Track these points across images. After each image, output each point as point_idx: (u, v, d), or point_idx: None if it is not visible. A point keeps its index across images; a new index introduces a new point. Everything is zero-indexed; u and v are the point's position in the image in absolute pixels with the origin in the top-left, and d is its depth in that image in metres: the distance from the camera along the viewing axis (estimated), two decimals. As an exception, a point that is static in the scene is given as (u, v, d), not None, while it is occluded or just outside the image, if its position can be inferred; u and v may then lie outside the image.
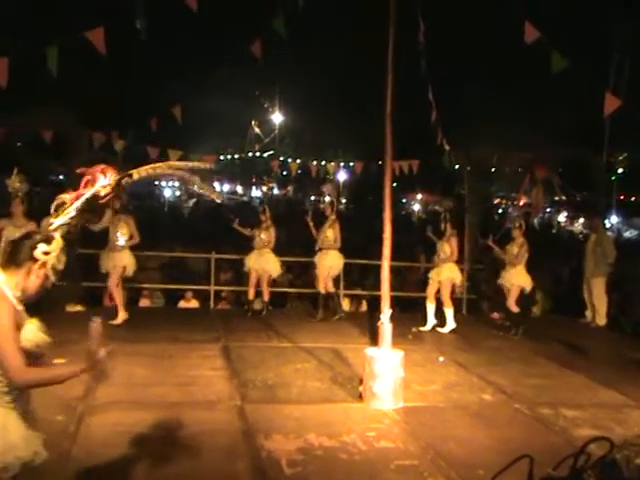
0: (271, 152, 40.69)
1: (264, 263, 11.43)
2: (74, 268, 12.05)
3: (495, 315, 12.48)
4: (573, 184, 22.03)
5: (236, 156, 41.83)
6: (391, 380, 7.02)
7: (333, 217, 11.30)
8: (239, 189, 52.22)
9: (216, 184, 53.91)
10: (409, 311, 12.95)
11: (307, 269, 12.79)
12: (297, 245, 13.54)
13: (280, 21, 9.22)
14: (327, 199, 11.68)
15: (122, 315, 10.26)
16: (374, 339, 8.14)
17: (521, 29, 7.95)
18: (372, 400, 7.02)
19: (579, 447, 2.70)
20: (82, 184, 3.54)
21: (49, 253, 3.26)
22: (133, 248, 10.43)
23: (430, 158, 14.40)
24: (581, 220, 33.16)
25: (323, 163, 17.23)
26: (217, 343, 9.47)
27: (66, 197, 3.45)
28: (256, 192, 51.03)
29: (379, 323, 7.36)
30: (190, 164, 3.88)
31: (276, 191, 52.82)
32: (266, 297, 11.65)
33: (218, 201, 5.49)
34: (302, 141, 38.43)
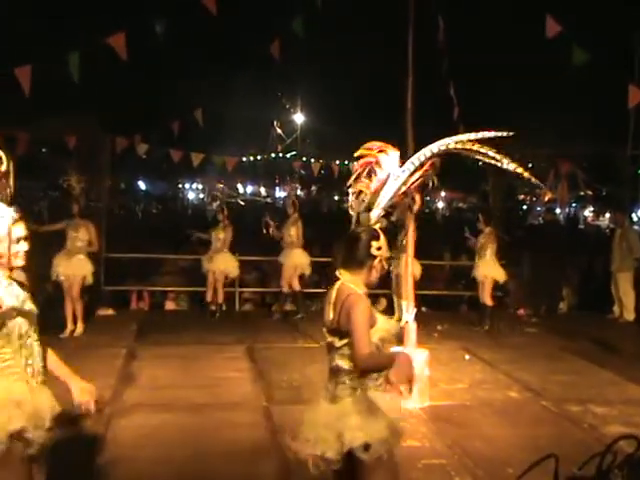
0: (293, 152, 40.75)
1: (220, 264, 11.26)
2: (99, 272, 12.19)
3: (521, 311, 12.40)
4: (598, 178, 21.80)
5: (258, 157, 41.93)
6: (417, 379, 6.99)
7: (296, 215, 11.27)
8: (262, 190, 52.32)
9: (239, 185, 54.18)
10: (434, 309, 12.90)
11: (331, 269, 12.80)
12: (317, 245, 13.50)
13: (299, 21, 9.23)
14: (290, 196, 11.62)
15: (81, 326, 9.83)
16: (399, 338, 8.11)
17: (542, 23, 7.89)
18: (398, 399, 6.99)
19: (606, 446, 2.66)
20: (362, 167, 3.72)
21: (381, 248, 3.49)
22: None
23: (453, 155, 14.30)
24: (607, 215, 32.83)
25: (346, 163, 17.18)
26: (242, 344, 9.49)
27: (362, 186, 3.66)
28: (280, 193, 51.12)
29: (404, 322, 7.34)
30: (480, 135, 3.82)
31: (299, 192, 52.86)
32: (220, 298, 11.43)
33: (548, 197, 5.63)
34: (324, 141, 38.44)
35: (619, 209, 13.61)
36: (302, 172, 36.76)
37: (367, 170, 3.77)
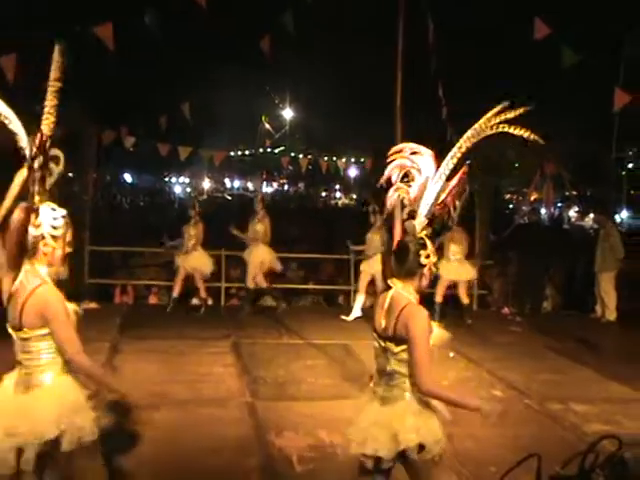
0: (282, 148, 40.68)
1: (192, 261, 11.13)
2: (83, 265, 12.15)
3: (505, 310, 12.47)
4: (583, 179, 21.93)
5: (247, 152, 41.87)
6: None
7: (262, 212, 11.23)
8: (250, 185, 52.25)
9: (226, 180, 54.08)
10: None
11: (318, 265, 12.79)
12: (305, 242, 13.54)
13: (289, 17, 9.22)
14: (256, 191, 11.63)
15: None
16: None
17: (531, 25, 7.92)
18: (382, 396, 7.01)
19: (588, 444, 2.69)
20: (396, 169, 3.81)
21: (429, 256, 3.64)
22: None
23: (440, 153, 14.34)
24: (591, 215, 33.04)
25: (334, 159, 17.21)
26: (227, 340, 9.48)
27: (402, 191, 3.79)
28: (267, 188, 51.09)
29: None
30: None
31: (287, 187, 52.85)
32: (202, 294, 11.40)
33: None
34: (313, 137, 38.42)
35: (602, 210, 13.69)
36: (290, 168, 36.78)
37: (402, 173, 3.87)
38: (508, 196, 32.74)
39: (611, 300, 11.85)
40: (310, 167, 18.87)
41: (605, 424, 6.45)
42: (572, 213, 37.51)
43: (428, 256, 3.63)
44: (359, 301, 11.17)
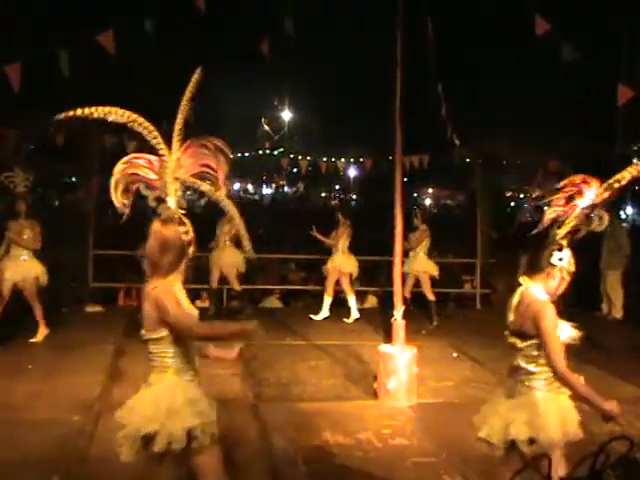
0: (281, 149, 40.67)
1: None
2: (87, 269, 12.17)
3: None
4: (587, 176, 21.89)
5: (246, 154, 41.84)
6: (405, 377, 7.01)
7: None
8: (250, 187, 52.25)
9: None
10: (422, 307, 12.91)
11: (319, 267, 12.75)
12: (306, 243, 13.49)
13: (288, 20, 9.20)
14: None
15: (42, 331, 9.25)
16: (387, 336, 8.12)
17: (531, 21, 7.89)
18: (386, 397, 7.02)
19: (598, 446, 2.68)
20: (565, 194, 4.05)
21: (562, 259, 3.85)
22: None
23: (441, 152, 14.36)
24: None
25: (333, 160, 17.18)
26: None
27: (558, 211, 4.01)
28: (267, 190, 51.07)
29: (392, 320, 7.35)
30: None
31: (287, 189, 52.80)
32: None
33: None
34: (312, 138, 38.42)
35: (608, 207, 13.64)
36: (289, 169, 36.74)
37: (566, 198, 4.09)
38: (509, 194, 32.72)
39: (618, 298, 11.82)
40: (310, 168, 18.83)
41: (615, 424, 6.40)
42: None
43: (562, 259, 3.84)
44: (327, 301, 11.26)
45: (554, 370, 3.70)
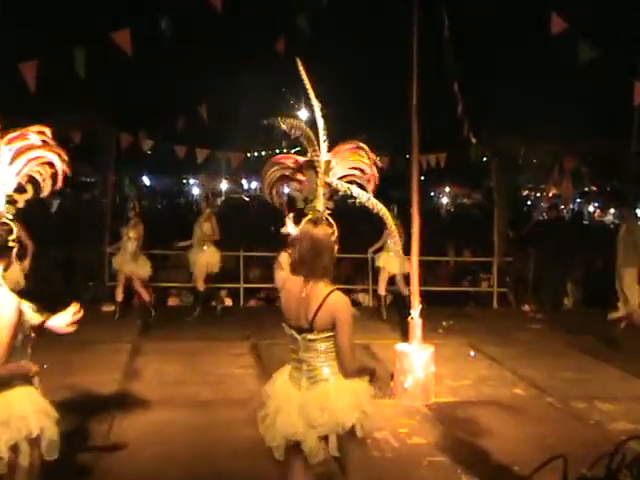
0: (298, 148, 40.65)
1: (131, 264, 10.46)
2: (103, 268, 12.21)
3: (526, 308, 12.39)
4: (603, 174, 21.74)
5: (263, 153, 41.87)
6: (422, 376, 6.98)
7: (209, 210, 11.07)
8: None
9: (244, 181, 54.19)
10: (440, 305, 12.86)
11: (336, 265, 12.74)
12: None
13: (303, 18, 9.21)
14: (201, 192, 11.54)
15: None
16: (404, 334, 8.09)
17: (548, 20, 7.84)
18: (403, 396, 6.99)
19: (614, 445, 2.65)
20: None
21: None
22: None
23: (458, 151, 14.31)
24: (612, 210, 32.76)
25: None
26: (247, 341, 9.49)
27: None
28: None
29: (409, 318, 7.33)
30: None
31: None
32: (146, 297, 10.70)
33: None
34: (328, 136, 38.34)
35: (625, 205, 13.54)
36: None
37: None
38: (526, 192, 32.53)
39: (633, 296, 11.70)
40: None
41: (631, 423, 6.36)
42: (591, 209, 37.24)
43: None
44: None
45: None
